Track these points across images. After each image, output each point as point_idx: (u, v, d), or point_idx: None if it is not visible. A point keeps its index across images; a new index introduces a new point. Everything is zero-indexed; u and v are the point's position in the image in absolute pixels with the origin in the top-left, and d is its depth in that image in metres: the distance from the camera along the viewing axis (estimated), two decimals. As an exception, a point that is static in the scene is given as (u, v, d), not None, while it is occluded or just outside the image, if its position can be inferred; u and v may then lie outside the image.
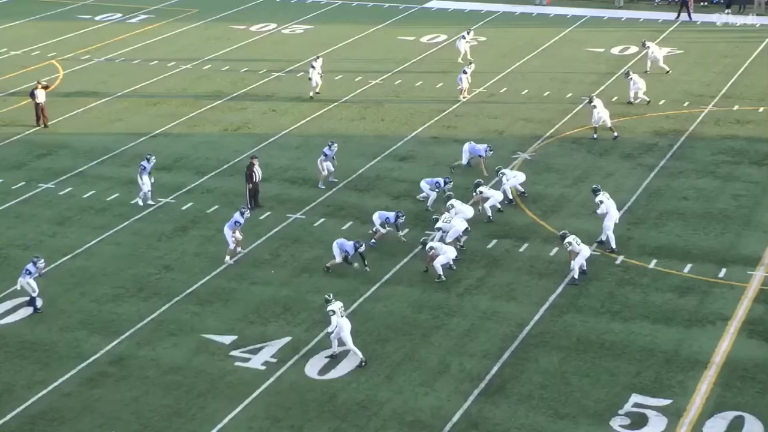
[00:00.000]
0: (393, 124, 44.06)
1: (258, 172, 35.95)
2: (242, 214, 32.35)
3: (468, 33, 53.40)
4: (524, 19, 61.75)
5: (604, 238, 32.35)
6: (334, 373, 26.35)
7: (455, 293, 30.10)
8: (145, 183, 36.37)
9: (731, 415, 24.29)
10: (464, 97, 46.40)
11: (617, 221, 32.62)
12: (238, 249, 32.51)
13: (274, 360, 27.00)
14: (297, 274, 31.62)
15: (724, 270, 30.97)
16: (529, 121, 43.52)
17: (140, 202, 36.55)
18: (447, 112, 45.18)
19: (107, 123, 45.18)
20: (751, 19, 60.21)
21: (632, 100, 45.11)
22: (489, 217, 34.39)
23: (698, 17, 60.58)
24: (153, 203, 36.56)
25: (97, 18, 63.69)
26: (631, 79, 45.31)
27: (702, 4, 63.21)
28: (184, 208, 36.42)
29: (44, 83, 45.89)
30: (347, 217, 35.24)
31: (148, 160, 36.64)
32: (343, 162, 39.25)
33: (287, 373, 26.41)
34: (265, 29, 60.35)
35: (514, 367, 26.40)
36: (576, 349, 27.14)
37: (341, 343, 26.86)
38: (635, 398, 24.96)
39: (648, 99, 45.16)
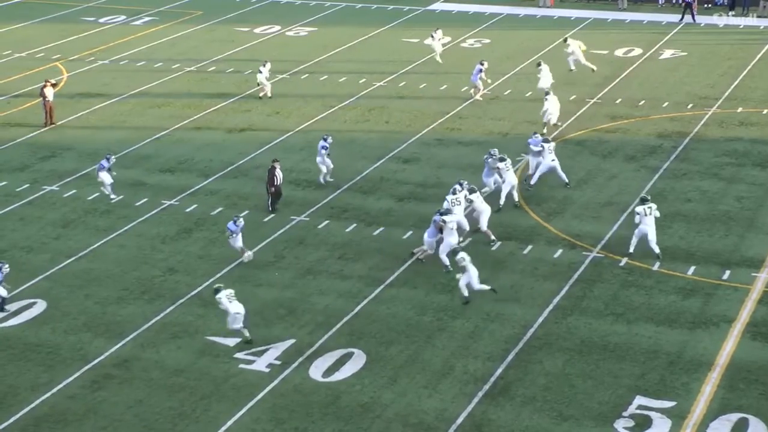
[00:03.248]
0: (397, 126, 44.07)
1: (279, 176, 35.84)
2: (235, 221, 32.06)
3: (436, 31, 53.53)
4: (528, 21, 61.76)
5: (631, 249, 31.93)
6: (338, 376, 26.36)
7: (459, 295, 30.08)
8: (105, 179, 37.01)
9: (735, 417, 24.27)
10: (481, 97, 46.56)
11: (649, 235, 31.75)
12: (247, 253, 32.46)
13: (278, 362, 27.02)
14: (301, 276, 31.62)
15: (727, 272, 30.95)
16: (533, 123, 43.44)
17: (110, 194, 37.15)
18: (451, 114, 45.19)
19: (111, 125, 45.23)
20: (754, 21, 60.18)
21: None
22: (500, 206, 34.78)
23: (702, 19, 60.58)
24: (113, 197, 37.21)
25: (102, 20, 63.80)
26: (540, 69, 46.05)
27: (705, 6, 63.17)
28: (188, 210, 36.44)
29: (53, 81, 46.00)
30: (351, 219, 35.25)
31: (107, 159, 37.18)
32: (347, 164, 39.32)
33: (291, 376, 26.41)
34: (270, 31, 60.41)
35: (518, 369, 26.40)
36: (580, 351, 27.13)
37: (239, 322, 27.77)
38: (639, 400, 24.95)
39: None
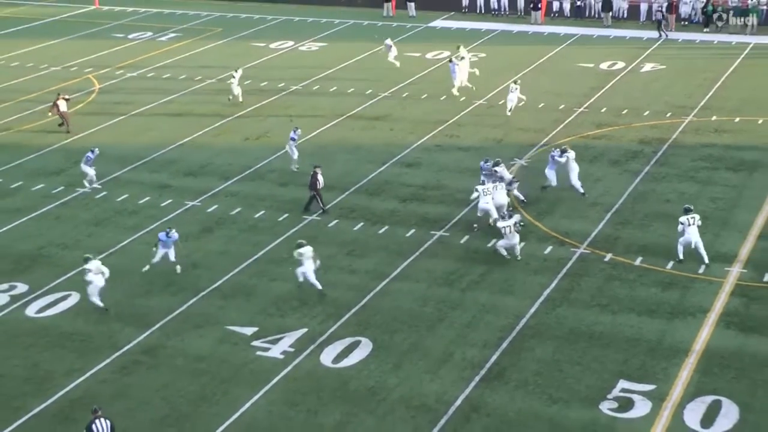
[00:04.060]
0: (400, 133, 44.03)
1: (320, 180, 35.74)
2: (167, 233, 31.34)
3: (387, 39, 54.93)
4: (521, 37, 61.69)
5: (681, 257, 31.14)
6: (346, 362, 26.38)
7: (458, 288, 30.10)
8: (88, 171, 38.02)
9: (710, 399, 24.30)
10: (458, 90, 48.16)
11: (694, 244, 31.04)
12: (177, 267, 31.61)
13: (291, 349, 27.04)
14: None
15: (703, 267, 30.91)
16: (525, 131, 43.47)
17: (88, 187, 38.07)
18: (450, 122, 45.17)
19: (139, 132, 45.26)
20: (726, 38, 60.09)
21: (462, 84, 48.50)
22: (522, 200, 35.48)
23: (679, 35, 60.47)
24: (99, 186, 38.24)
25: (130, 36, 63.85)
26: (456, 64, 48.74)
27: (683, 23, 63.16)
28: (209, 210, 36.47)
29: (66, 96, 46.09)
30: (358, 218, 35.25)
31: (92, 152, 38.27)
32: (355, 168, 39.36)
33: (304, 362, 26.44)
34: (284, 46, 60.39)
35: (511, 356, 26.41)
36: (568, 339, 27.13)
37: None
38: (622, 384, 24.96)
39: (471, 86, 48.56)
